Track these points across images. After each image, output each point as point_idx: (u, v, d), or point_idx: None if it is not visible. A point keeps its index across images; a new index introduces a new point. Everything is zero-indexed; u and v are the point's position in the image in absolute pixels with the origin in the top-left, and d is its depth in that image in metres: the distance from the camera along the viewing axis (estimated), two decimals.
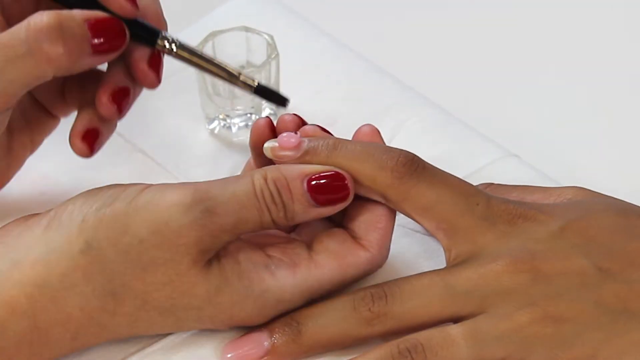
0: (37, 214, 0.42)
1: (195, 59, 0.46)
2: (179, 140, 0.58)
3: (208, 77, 0.56)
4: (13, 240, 0.41)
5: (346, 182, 0.42)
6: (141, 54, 0.45)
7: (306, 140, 0.43)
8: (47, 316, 0.39)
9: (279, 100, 0.46)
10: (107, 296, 0.39)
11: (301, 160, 0.43)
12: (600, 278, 0.39)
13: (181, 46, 0.45)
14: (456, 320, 0.40)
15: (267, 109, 0.59)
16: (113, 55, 0.44)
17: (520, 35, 0.70)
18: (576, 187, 0.45)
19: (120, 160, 0.57)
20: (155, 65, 0.45)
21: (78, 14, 0.42)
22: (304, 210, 0.42)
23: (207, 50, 0.56)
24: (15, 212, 0.53)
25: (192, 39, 0.56)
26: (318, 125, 0.45)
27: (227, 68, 0.46)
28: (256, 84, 0.45)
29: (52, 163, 0.55)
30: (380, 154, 0.42)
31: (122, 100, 0.45)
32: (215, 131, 0.59)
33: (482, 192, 0.43)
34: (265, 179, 0.41)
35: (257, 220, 0.41)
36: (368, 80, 0.62)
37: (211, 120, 0.59)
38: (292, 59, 0.60)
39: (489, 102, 0.65)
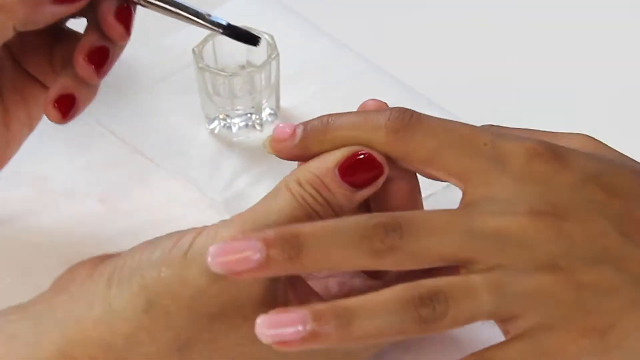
0: (103, 257, 0.41)
1: (162, 5, 0.45)
2: (178, 140, 0.58)
3: (208, 77, 0.56)
4: (77, 291, 0.39)
5: (372, 155, 0.40)
6: (109, 7, 0.44)
7: (301, 125, 0.42)
8: None
9: (251, 39, 0.45)
10: (174, 354, 0.38)
11: (301, 146, 0.41)
12: (621, 242, 0.37)
13: None
14: (465, 265, 0.38)
15: (267, 108, 0.59)
16: (77, 5, 0.43)
17: (520, 35, 0.70)
18: (584, 135, 0.43)
19: (119, 161, 0.57)
20: (124, 17, 0.44)
21: None
22: (348, 199, 0.40)
23: (208, 50, 0.56)
24: (15, 213, 0.53)
25: (192, 39, 0.57)
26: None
27: (195, 10, 0.45)
28: (226, 23, 0.45)
29: (52, 164, 0.55)
30: (372, 115, 0.41)
31: (100, 60, 0.45)
32: (216, 131, 0.59)
33: (487, 131, 0.40)
34: (300, 184, 0.40)
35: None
36: (368, 80, 0.62)
37: (211, 120, 0.59)
38: (292, 59, 0.60)
39: (489, 102, 0.65)
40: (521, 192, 0.38)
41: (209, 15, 0.45)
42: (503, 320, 0.37)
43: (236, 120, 0.58)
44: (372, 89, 0.61)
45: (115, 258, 0.40)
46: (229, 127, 0.58)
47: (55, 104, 0.45)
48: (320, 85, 0.61)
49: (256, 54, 0.57)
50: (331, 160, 0.40)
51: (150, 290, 0.38)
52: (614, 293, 0.37)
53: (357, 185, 0.40)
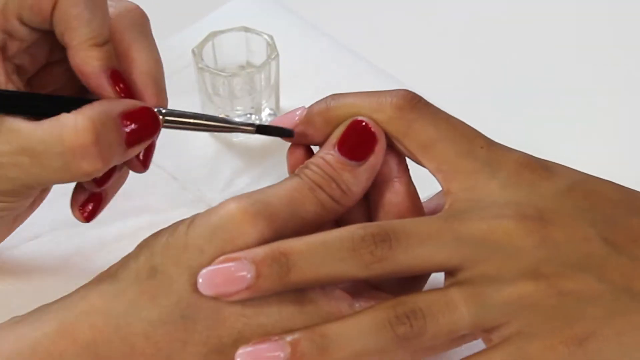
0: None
1: (186, 121, 0.43)
2: (178, 141, 0.58)
3: (208, 78, 0.56)
4: (94, 283, 0.40)
5: (363, 121, 0.40)
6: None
7: (305, 109, 0.42)
8: (109, 348, 0.37)
9: (284, 133, 0.43)
10: (176, 320, 0.37)
11: (304, 121, 0.42)
12: (605, 251, 0.38)
13: (169, 113, 0.43)
14: (451, 273, 0.38)
15: (267, 109, 0.59)
16: (145, 145, 0.42)
17: (519, 36, 0.70)
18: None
19: None
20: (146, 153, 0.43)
21: (114, 111, 0.40)
22: (353, 175, 0.40)
23: (207, 50, 0.56)
24: None
25: (192, 39, 0.57)
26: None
27: (222, 117, 0.43)
28: (256, 124, 0.43)
29: None
30: (376, 95, 0.41)
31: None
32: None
33: (485, 136, 0.41)
34: (306, 166, 0.40)
35: (314, 200, 0.39)
36: (368, 80, 0.62)
37: None
38: (292, 59, 0.60)
39: (488, 102, 0.65)
40: (507, 197, 0.39)
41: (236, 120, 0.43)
42: (486, 330, 0.37)
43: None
44: (372, 89, 0.61)
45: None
46: None
47: (80, 208, 0.45)
48: (320, 85, 0.61)
49: (256, 54, 0.58)
50: (333, 136, 0.41)
51: (155, 258, 0.38)
52: (595, 301, 0.37)
53: (355, 157, 0.40)
